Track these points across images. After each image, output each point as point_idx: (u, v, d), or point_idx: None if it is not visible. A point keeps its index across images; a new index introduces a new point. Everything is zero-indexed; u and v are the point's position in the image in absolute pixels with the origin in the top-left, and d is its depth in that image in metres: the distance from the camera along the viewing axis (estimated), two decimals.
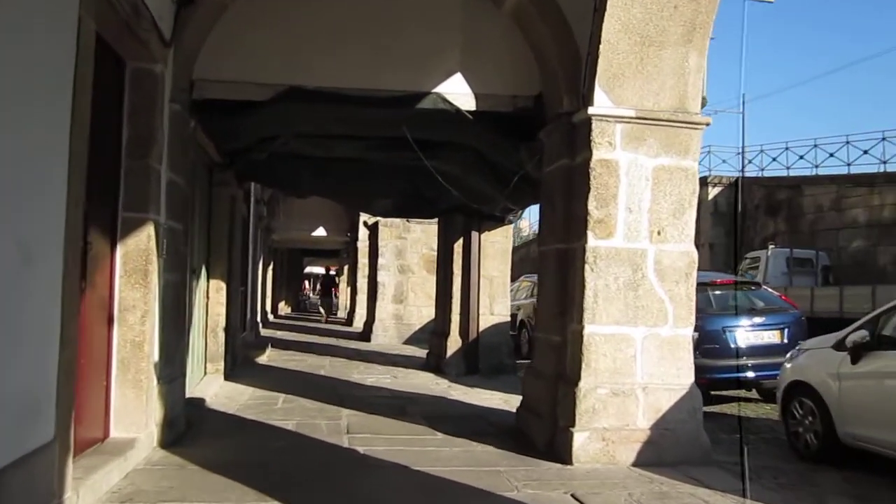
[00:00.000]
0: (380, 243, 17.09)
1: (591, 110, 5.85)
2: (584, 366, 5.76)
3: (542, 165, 6.71)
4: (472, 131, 7.19)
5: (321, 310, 28.31)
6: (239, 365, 11.31)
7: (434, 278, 16.69)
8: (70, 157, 3.70)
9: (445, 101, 6.63)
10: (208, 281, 9.53)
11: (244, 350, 12.42)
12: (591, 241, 5.83)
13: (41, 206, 3.48)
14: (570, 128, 6.18)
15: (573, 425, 5.69)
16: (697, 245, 6.31)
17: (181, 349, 6.51)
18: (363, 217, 20.40)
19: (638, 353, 5.84)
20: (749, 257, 18.16)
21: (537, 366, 6.64)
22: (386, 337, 16.87)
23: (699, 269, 6.27)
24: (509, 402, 8.83)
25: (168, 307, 5.89)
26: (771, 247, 18.10)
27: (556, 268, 6.25)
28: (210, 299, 9.55)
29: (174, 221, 6.01)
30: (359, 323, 21.49)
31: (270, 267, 25.49)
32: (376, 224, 17.30)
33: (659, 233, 5.93)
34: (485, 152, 8.10)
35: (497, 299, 11.52)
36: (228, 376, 9.88)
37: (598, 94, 5.88)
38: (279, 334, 18.86)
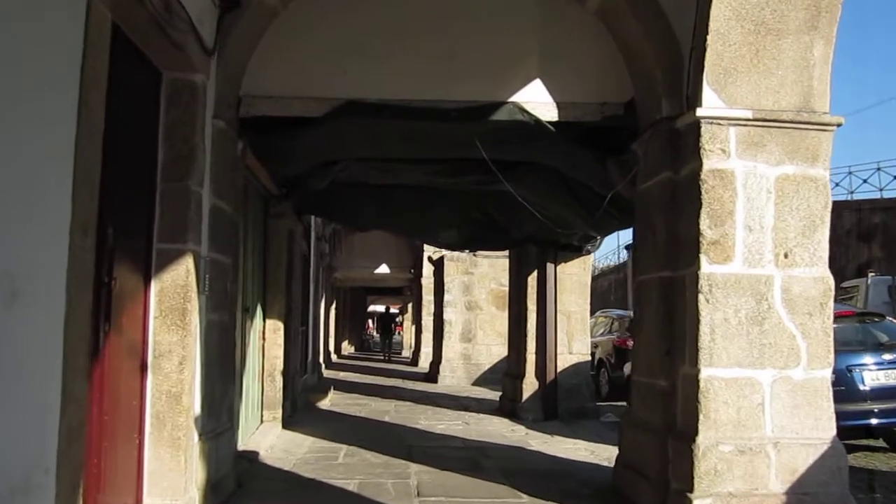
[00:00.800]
0: (445, 279, 16.29)
1: (699, 112, 4.94)
2: (701, 417, 4.77)
3: (637, 182, 5.80)
4: (554, 146, 6.35)
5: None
6: (299, 410, 10.57)
7: (504, 315, 15.81)
8: (75, 171, 2.99)
9: (523, 111, 5.81)
10: (264, 321, 8.84)
11: (305, 394, 11.68)
12: (705, 266, 4.87)
13: (32, 230, 2.75)
14: (672, 135, 5.28)
15: (691, 490, 4.69)
16: None
17: (229, 398, 5.76)
18: (427, 252, 19.70)
19: (766, 401, 4.82)
20: (845, 287, 16.69)
21: (639, 415, 5.65)
22: (454, 378, 15.97)
23: None
24: (596, 453, 7.84)
25: (212, 351, 5.15)
26: (871, 275, 16.60)
27: (660, 299, 5.30)
28: (266, 340, 8.85)
29: (219, 254, 5.30)
30: (424, 363, 20.65)
31: (333, 306, 24.95)
32: (441, 259, 16.53)
33: (786, 255, 4.94)
34: (566, 171, 7.24)
35: (576, 337, 10.54)
36: (287, 424, 9.12)
37: (707, 94, 4.98)
38: (342, 375, 18.15)
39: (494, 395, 13.45)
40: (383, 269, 23.06)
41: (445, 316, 16.20)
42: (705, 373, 4.80)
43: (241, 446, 7.31)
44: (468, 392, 14.33)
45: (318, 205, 9.67)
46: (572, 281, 10.62)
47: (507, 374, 11.39)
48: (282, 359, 9.04)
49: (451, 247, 11.89)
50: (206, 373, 5.04)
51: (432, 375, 16.46)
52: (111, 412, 4.02)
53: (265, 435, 8.12)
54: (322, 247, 16.16)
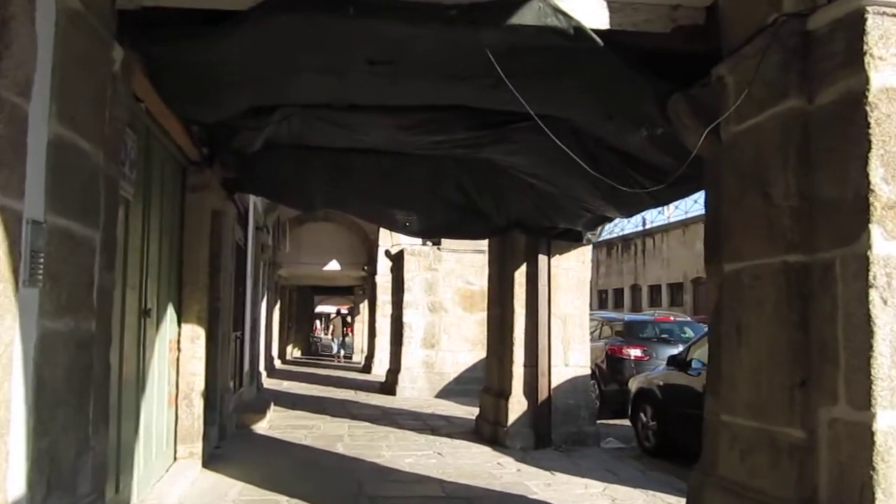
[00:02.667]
0: (406, 276, 14.24)
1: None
2: (878, 495, 2.86)
3: (724, 126, 3.88)
4: (595, 75, 4.38)
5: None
6: (229, 437, 8.42)
7: (472, 317, 13.93)
8: None
9: (558, 12, 3.82)
10: (179, 326, 6.70)
11: (238, 414, 9.52)
12: (879, 243, 2.97)
13: None
14: (800, 43, 3.37)
15: None
16: None
17: (96, 453, 3.64)
18: (383, 245, 17.66)
19: None
20: None
21: (738, 477, 3.68)
22: (414, 389, 13.93)
23: None
24: (622, 502, 5.94)
25: (55, 383, 3.05)
26: None
27: (783, 299, 3.37)
28: (182, 352, 6.71)
29: (74, 221, 3.20)
30: (378, 370, 18.56)
31: (277, 307, 22.66)
32: (401, 254, 14.49)
33: None
34: (594, 123, 5.30)
35: (573, 345, 8.62)
36: (210, 461, 6.99)
37: None
38: (286, 386, 15.95)
39: (464, 411, 11.49)
40: (333, 265, 20.86)
41: (405, 318, 14.15)
42: (884, 419, 2.89)
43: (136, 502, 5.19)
44: (433, 407, 12.30)
45: (253, 176, 7.54)
46: (569, 277, 8.70)
47: (486, 390, 9.40)
48: (203, 375, 6.90)
49: (422, 234, 9.81)
50: (41, 419, 2.94)
51: (390, 386, 14.40)
52: None
53: (176, 480, 5.99)
54: (263, 238, 13.96)
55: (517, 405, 8.42)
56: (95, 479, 3.64)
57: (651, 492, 6.37)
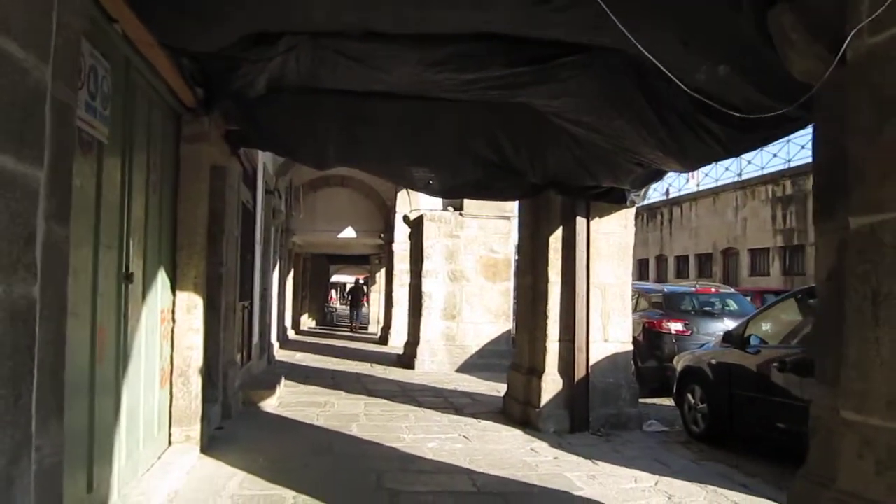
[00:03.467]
0: (425, 243, 13.40)
1: None
2: None
3: (858, 37, 2.97)
4: None
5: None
6: (235, 417, 7.68)
7: (495, 287, 13.13)
8: None
9: None
10: (174, 294, 5.91)
11: (247, 391, 8.78)
12: None
13: None
14: None
15: None
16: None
17: (39, 455, 2.85)
18: (401, 211, 16.85)
19: None
20: None
21: (859, 489, 2.85)
22: (434, 363, 13.16)
23: None
24: (680, 499, 5.14)
25: None
26: None
27: None
28: (176, 324, 5.92)
29: (8, 155, 2.38)
30: (395, 341, 17.86)
31: (290, 275, 21.93)
32: (420, 219, 13.64)
33: None
34: (668, 50, 4.38)
35: (614, 319, 7.77)
36: (210, 445, 6.25)
37: None
38: (299, 357, 15.22)
39: (488, 388, 10.73)
40: (349, 232, 20.09)
41: (425, 288, 13.34)
42: None
43: (119, 495, 4.43)
44: (454, 382, 11.53)
45: (255, 127, 6.70)
46: (609, 242, 7.82)
47: (514, 367, 8.59)
48: (201, 349, 6.13)
49: (447, 194, 8.90)
50: None
51: (408, 359, 13.64)
52: None
53: (168, 471, 5.22)
54: (274, 202, 13.15)
55: (551, 384, 7.60)
56: (43, 487, 2.85)
57: (711, 487, 5.55)
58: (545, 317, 7.69)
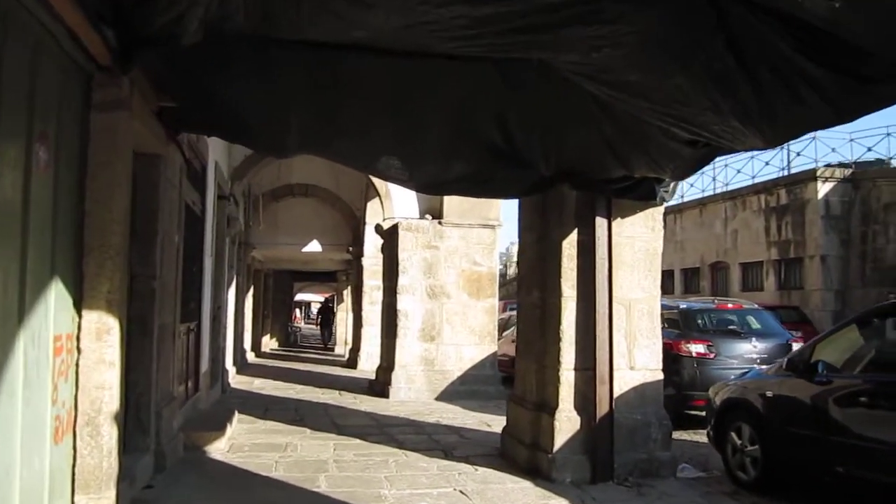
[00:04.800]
0: (400, 256, 11.92)
1: None
2: None
3: None
4: None
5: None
6: (170, 468, 6.10)
7: (479, 305, 11.76)
8: None
9: None
10: (78, 314, 4.37)
11: (189, 433, 7.20)
12: None
13: None
14: None
15: None
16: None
17: None
18: (371, 222, 15.40)
19: None
20: None
21: None
22: (411, 391, 11.64)
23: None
24: None
25: None
26: None
27: None
28: (82, 354, 4.38)
29: None
30: (366, 365, 16.30)
31: (250, 293, 20.25)
32: (395, 229, 12.16)
33: None
34: None
35: (640, 341, 6.38)
36: None
37: None
38: (257, 384, 13.59)
39: (476, 420, 9.31)
40: (314, 246, 18.52)
41: (400, 306, 11.84)
42: None
43: None
44: (436, 413, 10.03)
45: (195, 97, 5.21)
46: (634, 249, 6.45)
47: (517, 400, 7.14)
48: (117, 387, 4.57)
49: (436, 189, 7.34)
50: None
51: (381, 386, 12.10)
52: None
53: None
54: (229, 209, 11.59)
55: (566, 423, 6.17)
56: None
57: None
58: (558, 340, 6.26)
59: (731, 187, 20.64)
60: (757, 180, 19.63)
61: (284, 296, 30.85)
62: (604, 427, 6.10)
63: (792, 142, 16.20)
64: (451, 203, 11.97)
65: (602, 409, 6.11)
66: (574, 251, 6.33)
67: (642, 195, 6.15)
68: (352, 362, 17.47)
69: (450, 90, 5.04)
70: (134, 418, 5.72)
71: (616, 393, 6.19)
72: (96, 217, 4.48)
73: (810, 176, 17.27)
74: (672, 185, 6.39)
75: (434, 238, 11.96)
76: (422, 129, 5.47)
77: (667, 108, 4.38)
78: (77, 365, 4.40)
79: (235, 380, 13.75)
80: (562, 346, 6.24)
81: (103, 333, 4.46)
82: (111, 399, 4.49)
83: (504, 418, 9.48)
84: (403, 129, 5.39)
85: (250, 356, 19.26)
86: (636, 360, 6.35)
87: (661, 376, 6.44)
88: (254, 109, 5.33)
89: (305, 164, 16.47)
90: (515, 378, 7.37)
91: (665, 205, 6.51)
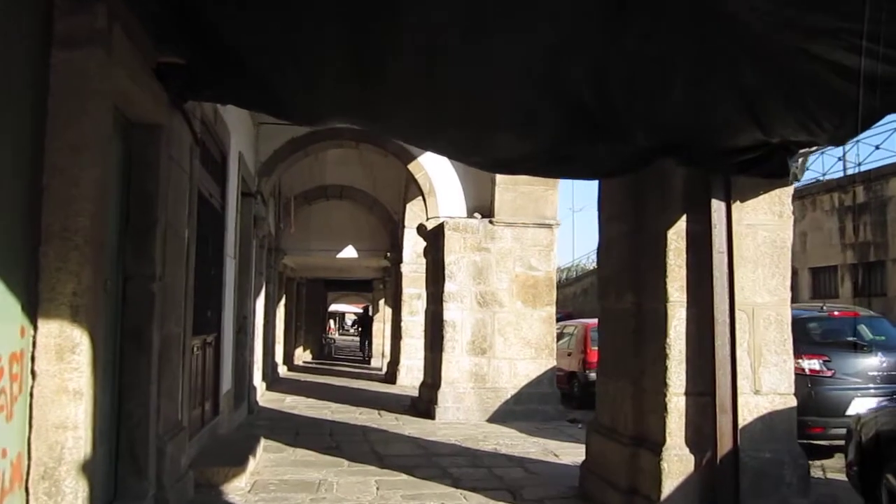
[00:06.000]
0: (447, 259, 10.63)
1: None
2: None
3: None
4: None
5: None
6: None
7: (536, 314, 10.47)
8: None
9: None
10: (33, 325, 3.14)
11: (203, 467, 5.97)
12: None
13: None
14: None
15: None
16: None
17: None
18: (410, 225, 14.27)
19: None
20: None
21: None
22: (460, 411, 10.33)
23: None
24: None
25: None
26: None
27: None
28: (37, 381, 3.15)
29: None
30: (406, 380, 15.06)
31: (282, 303, 19.13)
32: (440, 230, 10.89)
33: None
34: None
35: (766, 357, 5.00)
36: None
37: None
38: (288, 402, 12.40)
39: (539, 448, 8.05)
40: (349, 252, 17.33)
41: (447, 315, 10.54)
42: None
43: None
44: (491, 438, 8.71)
45: (201, 46, 3.98)
46: (757, 241, 5.07)
47: (603, 431, 5.77)
48: (85, 427, 3.33)
49: (509, 167, 5.87)
50: None
51: (425, 406, 10.81)
52: None
53: None
54: (257, 209, 10.42)
55: (676, 463, 4.80)
56: None
57: None
58: (663, 357, 4.91)
59: (797, 185, 18.90)
60: (828, 177, 18.06)
61: (318, 306, 29.74)
62: (726, 469, 4.72)
63: (864, 134, 14.64)
64: (503, 199, 10.68)
65: (724, 445, 4.74)
66: (682, 244, 4.98)
67: (772, 171, 4.80)
68: (390, 377, 16.20)
69: (537, 35, 3.73)
70: (127, 458, 4.50)
71: (741, 422, 4.81)
72: (57, 192, 3.26)
73: (893, 170, 15.67)
74: (801, 160, 5.03)
75: (484, 239, 10.66)
76: (496, 88, 4.18)
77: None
78: (30, 396, 3.18)
79: (265, 397, 12.57)
80: (669, 364, 4.89)
81: (66, 352, 3.23)
82: (77, 443, 3.25)
83: (571, 445, 8.21)
84: (472, 87, 4.09)
85: (282, 370, 18.10)
86: (762, 383, 4.97)
87: (793, 402, 5.04)
88: (276, 60, 4.08)
89: (340, 165, 15.33)
90: (598, 402, 6.00)
91: (795, 185, 5.14)
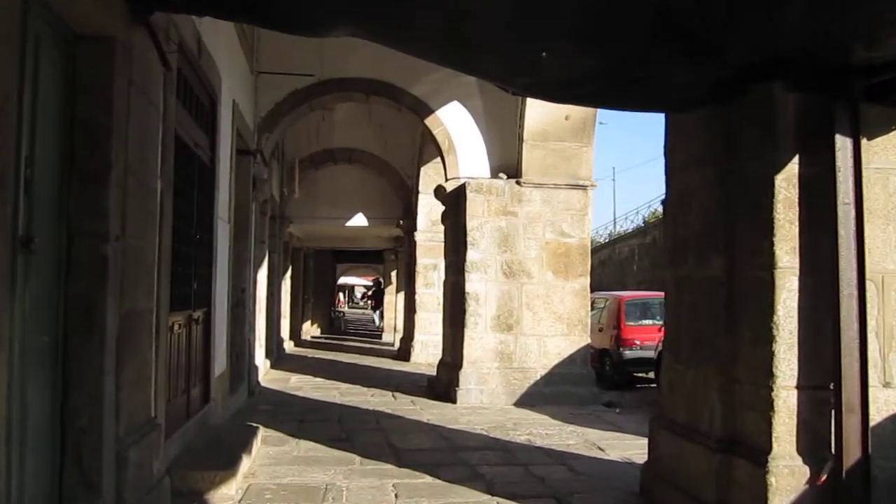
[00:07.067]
0: (469, 224, 9.52)
1: None
2: None
3: None
4: None
5: None
6: None
7: (568, 285, 9.35)
8: None
9: None
10: None
11: (185, 470, 4.93)
12: None
13: None
14: None
15: None
16: None
17: None
18: (425, 190, 13.18)
19: None
20: None
21: None
22: (483, 393, 9.28)
23: None
24: None
25: None
26: None
27: None
28: None
29: None
30: (420, 358, 14.04)
31: (288, 275, 18.08)
32: (461, 191, 9.76)
33: None
34: None
35: None
36: None
37: None
38: (294, 382, 11.38)
39: (578, 438, 7.08)
40: (359, 220, 16.24)
41: (469, 287, 9.44)
42: None
43: None
44: (522, 427, 7.66)
45: None
46: (889, 189, 3.93)
47: (677, 429, 4.65)
48: None
49: (565, 93, 4.67)
50: None
51: (445, 388, 9.76)
52: None
53: None
54: (256, 169, 9.30)
55: (787, 476, 3.70)
56: None
57: None
58: (770, 339, 3.79)
59: None
60: None
61: (326, 278, 28.68)
62: (854, 484, 3.63)
63: None
64: (532, 157, 9.54)
65: (850, 453, 3.64)
66: (793, 193, 3.83)
67: None
68: (403, 353, 15.17)
69: None
70: (72, 469, 3.46)
71: (871, 423, 3.71)
72: None
73: None
74: None
75: (511, 202, 9.53)
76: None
77: None
78: None
79: (268, 377, 11.56)
80: (776, 349, 3.77)
81: None
82: None
83: (614, 435, 7.19)
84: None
85: (288, 346, 17.09)
86: (894, 373, 3.86)
87: None
88: None
89: (348, 126, 14.19)
90: (667, 392, 4.89)
91: None
